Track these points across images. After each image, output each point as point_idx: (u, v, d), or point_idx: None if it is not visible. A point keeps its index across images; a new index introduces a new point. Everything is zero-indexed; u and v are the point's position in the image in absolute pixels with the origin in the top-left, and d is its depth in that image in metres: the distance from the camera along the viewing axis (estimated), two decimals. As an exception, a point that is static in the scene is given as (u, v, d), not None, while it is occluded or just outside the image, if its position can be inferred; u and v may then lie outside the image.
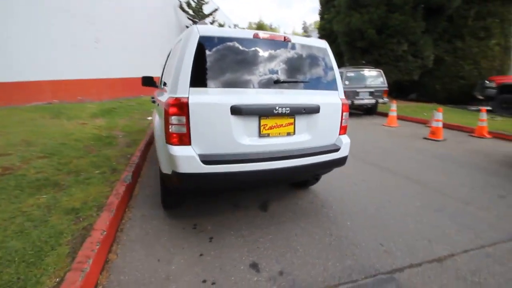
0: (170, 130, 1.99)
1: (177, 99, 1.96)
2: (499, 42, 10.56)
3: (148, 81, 4.29)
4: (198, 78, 2.01)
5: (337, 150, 2.48)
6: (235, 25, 19.40)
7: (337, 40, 13.14)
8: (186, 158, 1.95)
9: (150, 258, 2.02)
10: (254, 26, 36.53)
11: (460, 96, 11.21)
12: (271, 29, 36.46)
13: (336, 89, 2.55)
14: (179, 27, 15.34)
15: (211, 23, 16.60)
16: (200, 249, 2.15)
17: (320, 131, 2.41)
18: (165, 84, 2.90)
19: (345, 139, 2.58)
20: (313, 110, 2.33)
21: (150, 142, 5.13)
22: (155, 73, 13.39)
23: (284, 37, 2.30)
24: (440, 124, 6.07)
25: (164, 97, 2.29)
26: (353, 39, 11.15)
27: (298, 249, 2.18)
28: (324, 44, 2.59)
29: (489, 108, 10.38)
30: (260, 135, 2.16)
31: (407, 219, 2.66)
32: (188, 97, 1.96)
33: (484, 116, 6.43)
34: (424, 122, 8.12)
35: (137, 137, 5.34)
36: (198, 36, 2.04)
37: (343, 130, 2.59)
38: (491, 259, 2.09)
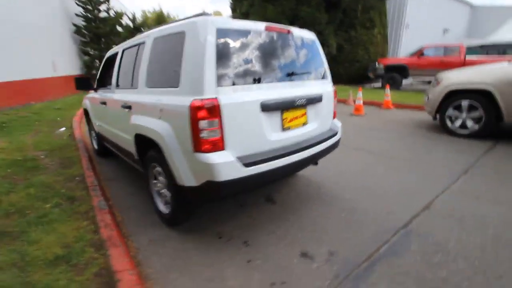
0: (200, 136, 1.75)
1: (206, 100, 1.73)
2: (380, 31, 13.05)
3: (85, 84, 3.56)
4: (223, 76, 1.82)
5: (336, 134, 2.68)
6: (133, 14, 17.44)
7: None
8: (226, 164, 1.77)
9: (200, 281, 1.78)
10: (149, 15, 33.69)
11: (357, 77, 13.41)
12: (169, 18, 34.26)
13: (327, 77, 2.73)
14: (67, 16, 12.76)
15: (106, 11, 14.44)
16: (243, 256, 2.02)
17: (323, 118, 2.56)
18: (133, 84, 2.52)
19: (338, 123, 2.81)
20: (319, 99, 2.44)
21: (92, 158, 4.29)
22: (44, 72, 10.86)
23: (288, 30, 2.30)
24: (361, 102, 7.19)
25: (169, 100, 1.96)
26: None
27: (327, 229, 2.31)
28: (313, 35, 2.70)
29: (379, 85, 12.90)
30: (283, 128, 2.14)
31: (386, 183, 3.14)
32: (218, 98, 1.76)
33: (388, 91, 7.95)
34: (343, 101, 9.41)
35: (68, 154, 4.36)
36: (215, 29, 1.82)
37: (334, 115, 2.81)
38: (457, 197, 2.73)
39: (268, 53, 2.09)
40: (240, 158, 1.83)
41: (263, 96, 1.96)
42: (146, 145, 2.36)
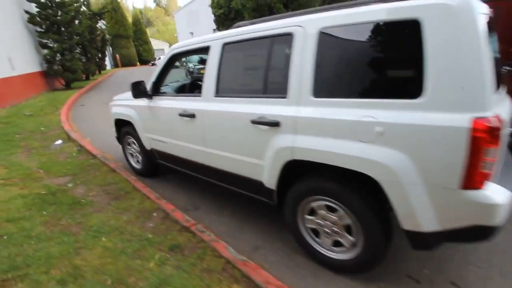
0: (480, 168, 1.24)
1: (492, 119, 1.21)
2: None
3: (143, 90, 2.75)
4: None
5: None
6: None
7: (237, 18, 12.73)
8: (507, 204, 1.30)
9: None
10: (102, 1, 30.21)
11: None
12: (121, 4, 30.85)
13: None
14: (17, 1, 10.54)
15: None
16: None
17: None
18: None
19: None
20: None
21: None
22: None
23: None
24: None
25: (403, 116, 1.37)
26: (261, 14, 11.01)
27: None
28: None
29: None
30: None
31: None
32: (499, 115, 1.25)
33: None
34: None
35: (103, 179, 3.45)
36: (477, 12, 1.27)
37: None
38: None
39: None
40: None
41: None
42: (294, 174, 1.85)
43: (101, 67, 19.54)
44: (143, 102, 2.99)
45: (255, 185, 2.13)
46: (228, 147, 2.21)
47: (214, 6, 13.55)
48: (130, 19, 34.55)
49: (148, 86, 2.85)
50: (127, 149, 3.69)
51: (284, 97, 1.81)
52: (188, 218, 2.41)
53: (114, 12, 28.00)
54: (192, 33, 26.01)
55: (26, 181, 3.43)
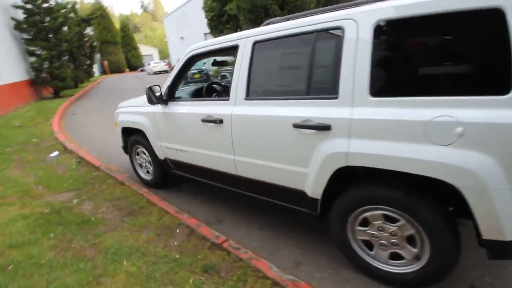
0: None
1: None
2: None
3: (158, 97, 2.54)
4: None
5: None
6: (73, 3, 14.83)
7: (230, 21, 12.61)
8: None
9: None
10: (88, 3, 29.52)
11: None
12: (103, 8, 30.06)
13: None
14: (2, 8, 10.07)
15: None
16: None
17: None
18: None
19: None
20: None
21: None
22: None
23: None
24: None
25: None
26: (257, 16, 10.89)
27: None
28: None
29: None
30: None
31: None
32: None
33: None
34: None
35: (111, 193, 3.18)
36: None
37: None
38: None
39: None
40: None
41: None
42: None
43: (89, 74, 19.00)
44: (156, 108, 2.75)
45: (295, 195, 1.93)
46: (263, 154, 2.00)
47: (207, 9, 13.35)
48: (117, 25, 33.99)
49: (163, 91, 2.62)
50: (135, 160, 3.43)
51: (334, 98, 1.62)
52: (217, 234, 2.19)
53: (102, 18, 27.46)
54: (182, 38, 25.71)
55: (25, 199, 3.12)
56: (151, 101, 2.51)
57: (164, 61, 29.97)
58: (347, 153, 1.58)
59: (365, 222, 1.73)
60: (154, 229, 2.40)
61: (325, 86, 1.70)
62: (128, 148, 3.41)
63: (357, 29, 1.54)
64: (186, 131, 2.51)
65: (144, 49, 42.66)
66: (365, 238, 1.75)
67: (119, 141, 3.54)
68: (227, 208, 2.75)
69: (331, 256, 2.00)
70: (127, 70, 34.91)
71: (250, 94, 2.02)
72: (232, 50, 2.17)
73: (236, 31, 13.23)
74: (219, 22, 13.33)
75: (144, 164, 3.32)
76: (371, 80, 1.50)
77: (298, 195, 1.92)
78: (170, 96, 2.64)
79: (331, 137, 1.63)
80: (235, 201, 2.80)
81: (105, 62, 30.72)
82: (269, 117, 1.89)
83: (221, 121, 2.16)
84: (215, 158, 2.34)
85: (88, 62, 17.52)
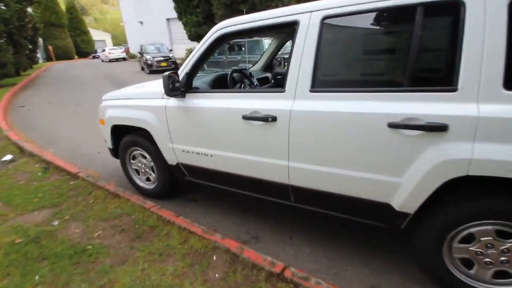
0: None
1: None
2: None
3: (177, 87, 2.00)
4: None
5: None
6: None
7: (199, 5, 11.72)
8: None
9: None
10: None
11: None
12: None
13: None
14: None
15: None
16: None
17: None
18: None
19: None
20: None
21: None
22: None
23: None
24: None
25: None
26: (233, 1, 10.14)
27: None
28: None
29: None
30: None
31: None
32: None
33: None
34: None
35: (101, 209, 2.53)
36: None
37: None
38: None
39: None
40: None
41: None
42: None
43: (33, 60, 16.52)
44: (168, 101, 2.17)
45: (373, 208, 1.59)
46: (335, 161, 1.60)
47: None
48: (63, 7, 30.08)
49: (180, 78, 2.05)
50: (130, 165, 2.79)
51: (452, 90, 1.28)
52: (270, 259, 1.75)
53: (43, -4, 23.98)
54: (141, 23, 23.57)
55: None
56: (169, 91, 1.93)
57: (120, 47, 27.44)
58: (471, 160, 1.25)
59: (468, 238, 1.45)
60: (181, 258, 1.87)
61: (436, 75, 1.35)
62: (119, 150, 2.75)
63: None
64: (216, 130, 2.00)
65: (96, 34, 38.65)
66: (465, 255, 1.48)
67: (106, 141, 2.84)
68: (255, 220, 2.32)
69: (405, 274, 1.72)
70: (76, 57, 31.34)
71: (318, 85, 1.59)
72: (285, 28, 1.71)
73: (207, 16, 12.32)
74: (188, 5, 12.27)
75: (143, 170, 2.70)
76: (506, 68, 1.18)
77: (377, 208, 1.58)
78: (188, 87, 2.09)
79: (447, 140, 1.29)
80: (262, 210, 2.38)
81: (50, 48, 27.10)
82: (350, 115, 1.49)
83: (274, 119, 1.70)
84: (257, 164, 1.88)
85: (31, 46, 15.14)
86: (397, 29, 1.47)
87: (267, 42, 7.70)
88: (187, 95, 2.09)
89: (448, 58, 1.30)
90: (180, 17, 13.11)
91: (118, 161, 2.85)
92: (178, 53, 18.23)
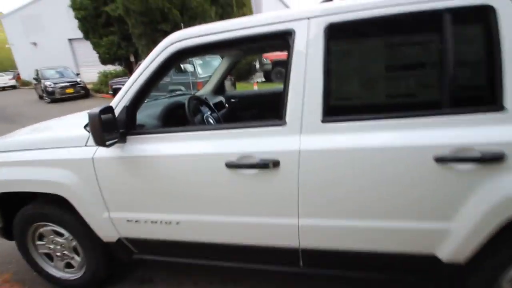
0: None
1: None
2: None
3: (116, 128, 1.34)
4: None
5: None
6: None
7: (110, 22, 10.49)
8: None
9: None
10: None
11: (244, 73, 13.58)
12: None
13: None
14: None
15: None
16: None
17: None
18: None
19: None
20: None
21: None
22: None
23: None
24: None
25: None
26: (153, 19, 9.25)
27: None
28: None
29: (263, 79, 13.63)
30: None
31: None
32: None
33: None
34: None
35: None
36: None
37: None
38: None
39: None
40: None
41: None
42: None
43: None
44: (97, 151, 1.43)
45: (414, 262, 1.24)
46: (363, 211, 1.19)
47: (77, 6, 10.45)
48: None
49: (117, 114, 1.36)
50: (36, 248, 1.83)
51: (498, 110, 1.02)
52: None
53: None
54: (35, 44, 19.92)
55: None
56: (105, 136, 1.22)
57: (7, 73, 22.63)
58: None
59: None
60: None
61: (479, 93, 1.09)
62: (14, 229, 1.77)
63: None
64: (183, 187, 1.36)
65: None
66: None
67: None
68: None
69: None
70: None
71: (332, 112, 1.17)
72: (273, 40, 1.26)
73: (124, 36, 11.05)
74: (96, 23, 10.77)
75: (58, 254, 1.79)
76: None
77: (419, 262, 1.24)
78: (130, 126, 1.40)
79: (504, 172, 1.02)
80: (248, 280, 1.80)
81: None
82: (384, 150, 1.10)
83: (275, 164, 1.19)
84: (252, 226, 1.33)
85: None
86: (423, 38, 1.17)
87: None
88: (129, 138, 1.40)
89: (488, 71, 1.05)
90: (86, 37, 11.42)
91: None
92: (88, 77, 15.93)
